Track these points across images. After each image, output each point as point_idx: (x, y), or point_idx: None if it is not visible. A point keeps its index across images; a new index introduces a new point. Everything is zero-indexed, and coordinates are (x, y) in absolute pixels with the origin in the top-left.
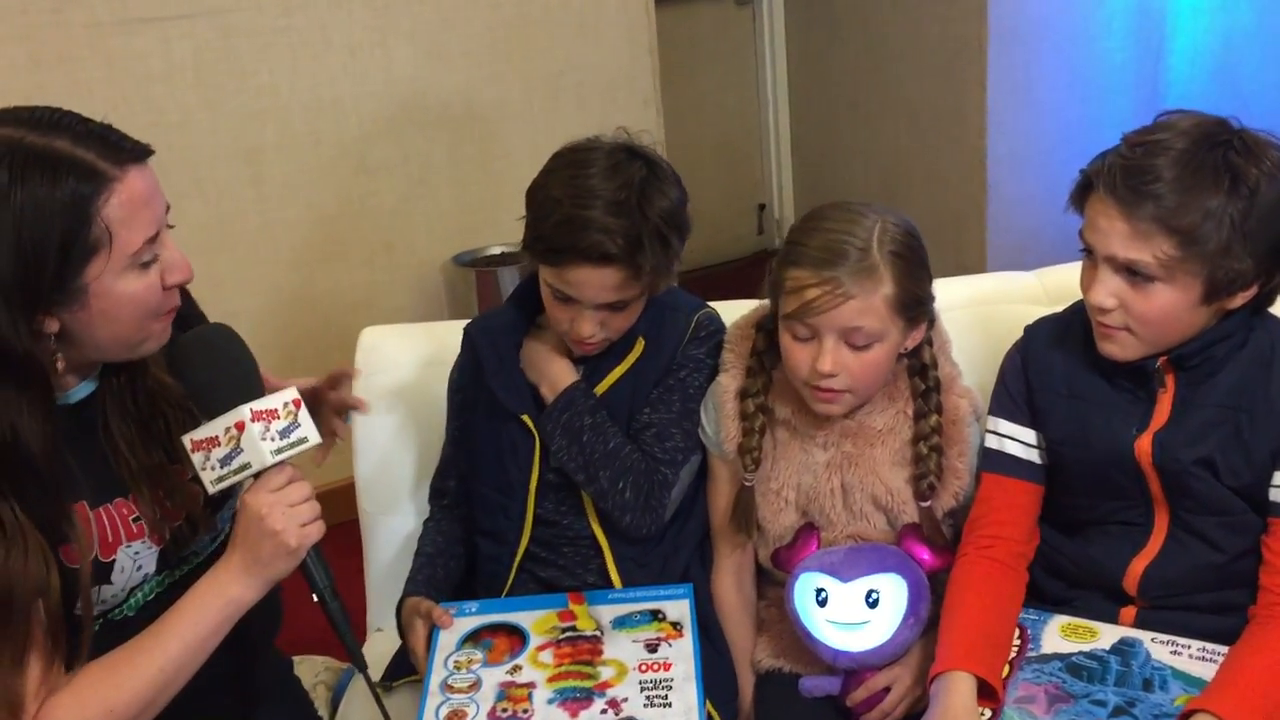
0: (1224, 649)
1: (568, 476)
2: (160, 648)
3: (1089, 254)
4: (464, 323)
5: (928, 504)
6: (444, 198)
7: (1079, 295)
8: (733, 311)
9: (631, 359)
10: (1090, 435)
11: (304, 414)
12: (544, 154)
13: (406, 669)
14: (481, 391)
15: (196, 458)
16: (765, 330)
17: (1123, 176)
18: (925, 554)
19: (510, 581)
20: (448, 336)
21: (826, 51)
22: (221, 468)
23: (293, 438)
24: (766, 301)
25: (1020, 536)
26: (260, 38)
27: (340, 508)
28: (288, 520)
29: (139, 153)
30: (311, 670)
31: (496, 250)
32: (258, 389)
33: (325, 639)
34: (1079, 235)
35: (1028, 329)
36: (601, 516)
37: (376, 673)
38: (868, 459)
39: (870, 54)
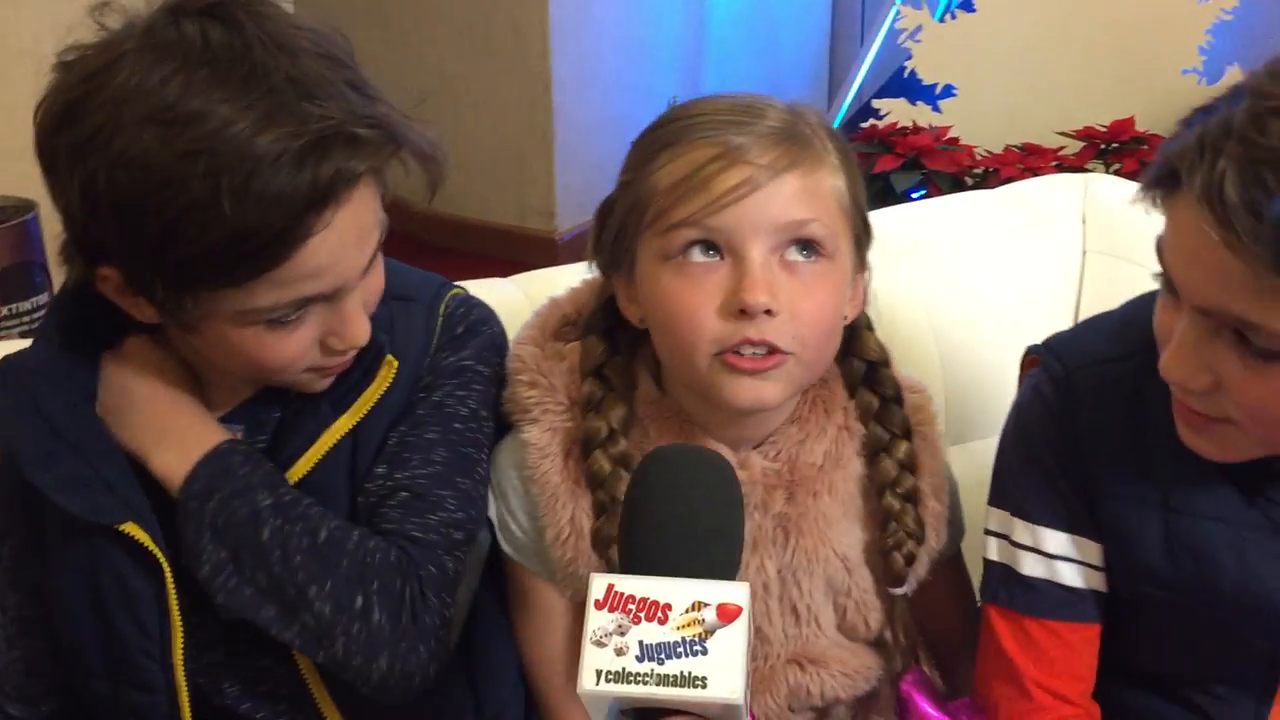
0: None
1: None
2: None
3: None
4: None
5: (902, 590)
6: None
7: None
8: None
9: (374, 393)
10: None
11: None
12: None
13: None
14: (32, 496)
15: (601, 618)
16: (603, 329)
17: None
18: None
19: None
20: None
21: None
22: (643, 661)
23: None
24: (577, 285)
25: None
26: None
27: None
28: None
29: None
30: None
31: None
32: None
33: None
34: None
35: (1050, 366)
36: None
37: None
38: (813, 518)
39: None
